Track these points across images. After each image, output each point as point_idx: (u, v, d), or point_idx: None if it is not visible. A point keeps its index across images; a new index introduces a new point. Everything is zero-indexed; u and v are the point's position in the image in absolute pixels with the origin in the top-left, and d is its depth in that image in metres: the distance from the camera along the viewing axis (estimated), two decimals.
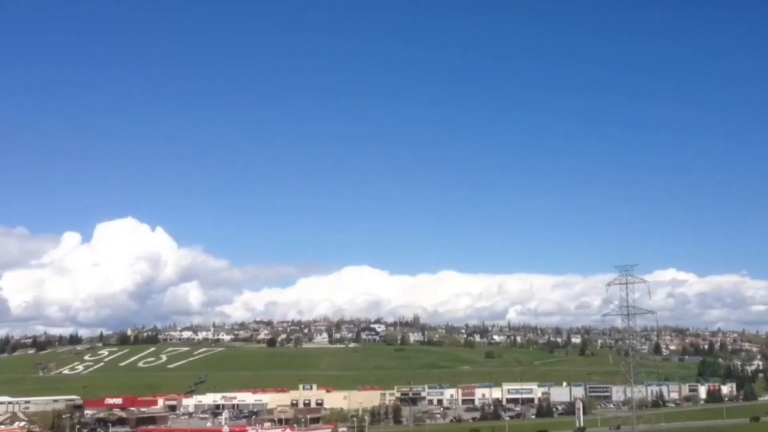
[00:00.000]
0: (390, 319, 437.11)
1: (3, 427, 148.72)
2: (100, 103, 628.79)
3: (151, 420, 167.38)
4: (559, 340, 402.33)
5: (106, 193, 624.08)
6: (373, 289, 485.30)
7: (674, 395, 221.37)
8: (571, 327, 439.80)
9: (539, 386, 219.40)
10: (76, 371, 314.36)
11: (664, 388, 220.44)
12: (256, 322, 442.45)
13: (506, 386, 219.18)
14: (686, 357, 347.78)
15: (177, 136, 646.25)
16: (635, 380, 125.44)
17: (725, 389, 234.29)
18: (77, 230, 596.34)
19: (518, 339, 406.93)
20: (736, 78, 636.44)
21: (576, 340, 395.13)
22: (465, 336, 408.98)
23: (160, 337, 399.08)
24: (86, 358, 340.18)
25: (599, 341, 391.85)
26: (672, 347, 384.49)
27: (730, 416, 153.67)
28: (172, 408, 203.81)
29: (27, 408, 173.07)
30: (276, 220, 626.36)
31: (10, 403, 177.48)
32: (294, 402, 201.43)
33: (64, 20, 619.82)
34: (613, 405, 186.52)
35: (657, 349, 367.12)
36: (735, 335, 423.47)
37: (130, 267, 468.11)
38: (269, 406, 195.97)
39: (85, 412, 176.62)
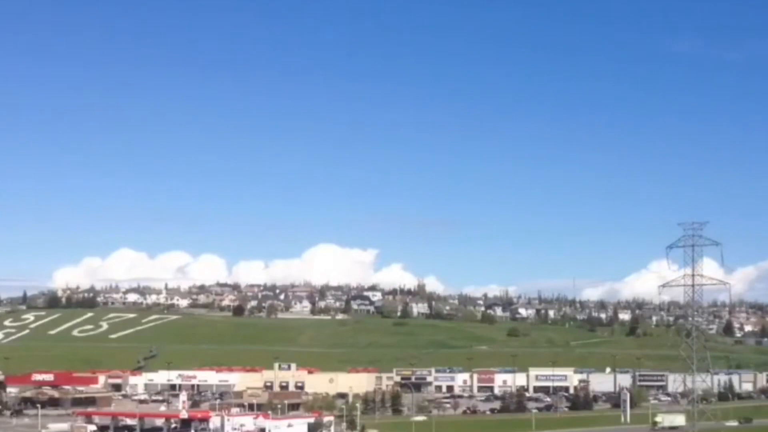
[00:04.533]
0: (388, 286, 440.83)
1: None
2: None
3: (91, 401, 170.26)
4: (603, 316, 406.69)
5: None
6: None
7: (748, 386, 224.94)
8: (619, 300, 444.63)
9: (576, 372, 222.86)
10: None
11: (735, 378, 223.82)
12: (219, 284, 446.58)
13: (534, 372, 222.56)
14: (765, 339, 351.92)
15: None
16: (698, 367, 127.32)
17: None
18: None
19: (551, 314, 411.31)
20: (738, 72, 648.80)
21: (625, 316, 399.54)
22: (483, 309, 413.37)
23: (98, 300, 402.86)
24: (7, 323, 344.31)
25: (654, 318, 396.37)
26: (748, 327, 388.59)
27: None
28: (117, 387, 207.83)
29: None
30: None
31: None
32: (268, 384, 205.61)
33: None
34: (670, 397, 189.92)
35: (728, 329, 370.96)
36: None
37: None
38: (237, 388, 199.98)
39: (8, 390, 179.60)
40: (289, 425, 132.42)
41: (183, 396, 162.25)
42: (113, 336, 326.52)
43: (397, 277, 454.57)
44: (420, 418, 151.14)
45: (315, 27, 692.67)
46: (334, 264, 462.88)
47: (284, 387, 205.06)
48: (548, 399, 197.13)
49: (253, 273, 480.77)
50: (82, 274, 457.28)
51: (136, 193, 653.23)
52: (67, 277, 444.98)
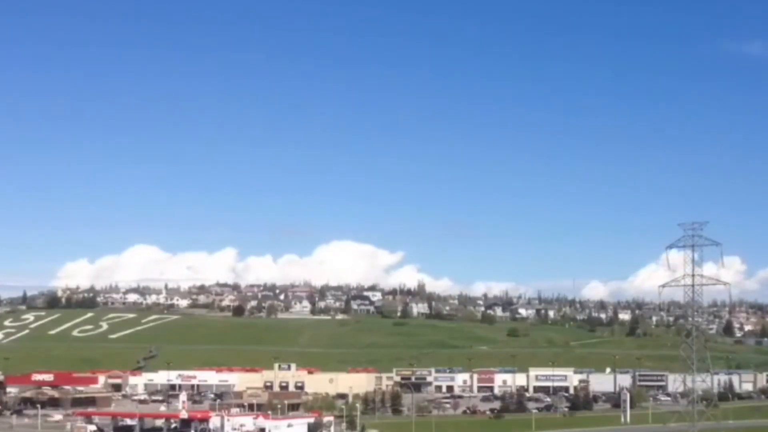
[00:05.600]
0: (388, 286, 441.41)
1: None
2: None
3: (91, 401, 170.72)
4: (603, 316, 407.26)
5: None
6: None
7: (748, 386, 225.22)
8: (619, 300, 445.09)
9: (576, 372, 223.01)
10: None
11: (735, 378, 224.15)
12: (219, 285, 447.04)
13: (534, 372, 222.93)
14: (765, 339, 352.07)
15: None
16: (698, 367, 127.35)
17: None
18: None
19: (551, 314, 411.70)
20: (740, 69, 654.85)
21: (625, 316, 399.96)
22: (483, 309, 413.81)
23: (98, 300, 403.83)
24: (7, 323, 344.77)
25: (654, 318, 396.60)
26: (748, 327, 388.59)
27: None
28: (116, 387, 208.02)
29: None
30: None
31: None
32: (268, 384, 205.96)
33: None
34: (670, 397, 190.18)
35: (728, 330, 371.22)
36: None
37: None
38: (237, 388, 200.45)
39: (8, 390, 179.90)
40: (289, 425, 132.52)
41: (183, 396, 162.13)
42: (113, 336, 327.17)
43: (412, 277, 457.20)
44: None
45: (336, 28, 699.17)
46: (349, 262, 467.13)
47: (284, 387, 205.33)
48: (548, 399, 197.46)
49: (264, 269, 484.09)
50: (89, 271, 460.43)
51: (148, 191, 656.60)
52: (77, 273, 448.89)
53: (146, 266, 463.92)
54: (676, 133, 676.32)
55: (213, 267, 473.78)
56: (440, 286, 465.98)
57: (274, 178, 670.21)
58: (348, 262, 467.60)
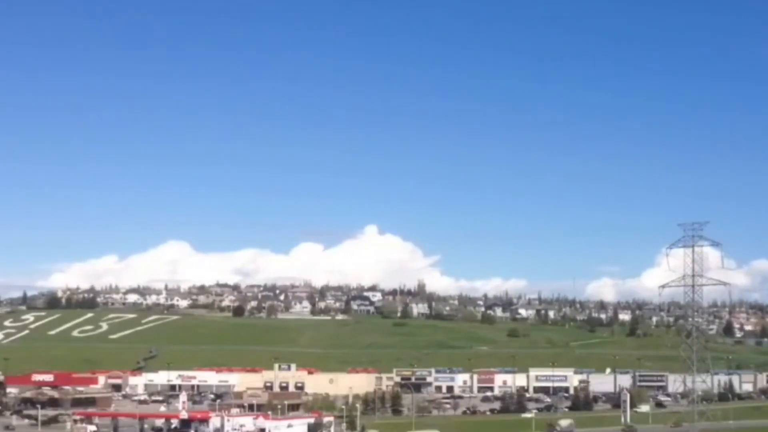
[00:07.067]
0: (388, 286, 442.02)
1: None
2: None
3: (91, 402, 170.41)
4: (603, 316, 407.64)
5: None
6: None
7: (748, 386, 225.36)
8: (619, 301, 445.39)
9: (576, 373, 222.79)
10: None
11: (736, 378, 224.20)
12: (219, 285, 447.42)
13: (534, 372, 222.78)
14: (766, 340, 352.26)
15: None
16: (699, 368, 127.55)
17: None
18: None
19: (551, 314, 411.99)
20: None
21: (625, 316, 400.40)
22: (483, 309, 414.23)
23: (98, 300, 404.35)
24: (7, 324, 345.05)
25: (654, 319, 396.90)
26: (748, 327, 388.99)
27: None
28: (117, 388, 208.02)
29: None
30: None
31: None
32: (268, 384, 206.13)
33: None
34: (670, 397, 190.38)
35: (728, 330, 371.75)
36: None
37: None
38: (237, 389, 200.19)
39: (8, 390, 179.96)
40: (289, 426, 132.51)
41: (183, 396, 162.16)
42: (113, 336, 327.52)
43: (438, 279, 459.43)
44: None
45: (363, 26, 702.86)
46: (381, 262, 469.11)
47: (284, 387, 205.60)
48: (548, 399, 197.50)
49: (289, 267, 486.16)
50: (100, 270, 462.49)
51: (181, 190, 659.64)
52: (91, 271, 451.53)
53: (170, 264, 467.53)
54: (679, 134, 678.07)
55: (239, 265, 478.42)
56: (459, 286, 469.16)
57: (302, 178, 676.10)
58: (380, 262, 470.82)
